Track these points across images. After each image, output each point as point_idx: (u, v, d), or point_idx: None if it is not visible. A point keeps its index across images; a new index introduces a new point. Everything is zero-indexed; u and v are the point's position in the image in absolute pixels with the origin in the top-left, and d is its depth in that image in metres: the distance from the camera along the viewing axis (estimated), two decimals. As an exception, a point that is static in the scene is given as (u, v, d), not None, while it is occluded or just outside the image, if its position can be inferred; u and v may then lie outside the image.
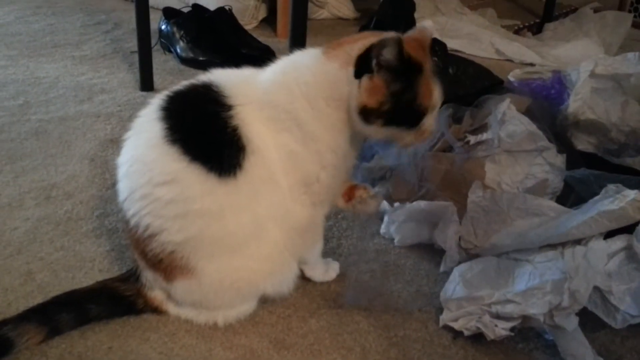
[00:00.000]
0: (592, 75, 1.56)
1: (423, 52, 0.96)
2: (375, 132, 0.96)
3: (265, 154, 0.96)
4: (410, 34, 0.99)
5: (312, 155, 0.98)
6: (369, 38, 0.95)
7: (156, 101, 1.00)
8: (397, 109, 0.93)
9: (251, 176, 0.95)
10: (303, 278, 1.13)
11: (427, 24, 1.03)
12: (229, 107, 0.95)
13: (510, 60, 2.46)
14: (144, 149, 0.97)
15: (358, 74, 0.93)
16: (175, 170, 0.93)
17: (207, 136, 0.95)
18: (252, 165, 0.95)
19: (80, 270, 1.15)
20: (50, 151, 1.56)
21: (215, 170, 0.93)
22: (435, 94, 0.96)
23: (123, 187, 0.99)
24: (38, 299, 1.03)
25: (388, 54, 0.90)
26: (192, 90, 1.00)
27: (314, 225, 1.07)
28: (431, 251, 1.25)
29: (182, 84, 1.02)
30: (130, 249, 1.08)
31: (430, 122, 0.97)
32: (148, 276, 1.03)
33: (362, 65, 0.92)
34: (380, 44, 0.90)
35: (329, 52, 0.97)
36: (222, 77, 1.01)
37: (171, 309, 1.05)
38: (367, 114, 0.93)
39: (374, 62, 0.91)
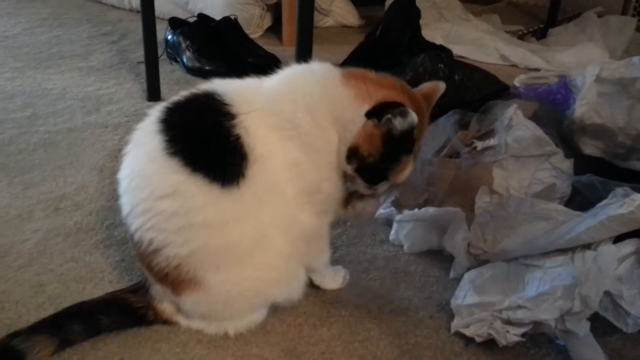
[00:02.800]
0: (598, 79, 1.55)
1: (422, 130, 1.01)
2: (344, 168, 0.99)
3: (269, 162, 0.95)
4: (425, 88, 1.05)
5: (314, 165, 0.98)
6: (398, 93, 0.98)
7: (154, 113, 1.00)
8: (374, 167, 0.97)
9: (254, 185, 0.94)
10: (313, 286, 1.13)
11: (442, 86, 1.07)
12: (232, 116, 0.95)
13: (515, 66, 2.46)
14: (143, 163, 0.97)
15: (369, 115, 0.94)
16: (177, 182, 0.93)
17: (209, 146, 0.95)
18: (255, 173, 0.94)
19: (91, 281, 1.15)
20: (58, 162, 1.57)
21: (217, 180, 0.93)
22: (405, 173, 1.01)
23: (125, 203, 0.99)
24: (49, 311, 1.03)
25: (399, 124, 0.93)
26: (192, 100, 1.00)
27: (319, 234, 1.07)
28: (441, 257, 1.25)
29: (180, 94, 1.01)
30: (138, 261, 1.08)
31: (384, 188, 1.01)
32: (157, 289, 1.03)
33: (377, 111, 0.94)
34: (401, 112, 0.92)
35: (348, 78, 0.98)
36: (224, 86, 1.00)
37: (181, 320, 1.05)
38: (353, 155, 0.96)
39: (385, 118, 0.93)
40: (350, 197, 1.10)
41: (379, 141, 0.95)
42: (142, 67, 2.01)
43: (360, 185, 1.00)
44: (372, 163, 0.96)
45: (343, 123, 0.96)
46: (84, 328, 0.99)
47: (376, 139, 0.95)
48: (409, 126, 0.93)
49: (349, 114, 0.95)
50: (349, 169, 0.98)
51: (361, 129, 0.95)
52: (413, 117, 0.92)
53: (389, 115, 0.93)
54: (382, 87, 0.98)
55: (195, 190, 0.92)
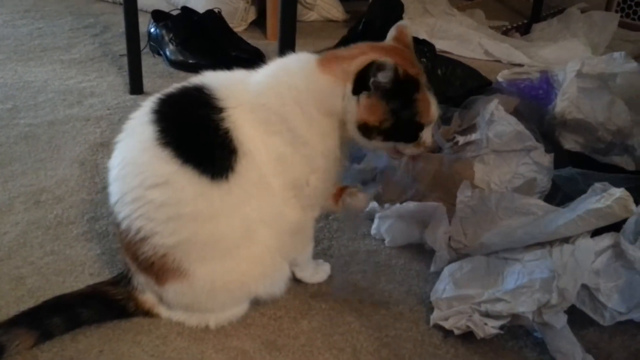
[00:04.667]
0: (579, 75, 1.57)
1: (414, 65, 0.99)
2: (376, 145, 0.98)
3: (257, 157, 0.96)
4: (392, 35, 1.03)
5: (301, 158, 0.98)
6: (367, 54, 0.96)
7: (148, 104, 1.00)
8: (398, 126, 0.95)
9: (243, 179, 0.95)
10: (294, 279, 1.13)
11: (404, 23, 1.06)
12: (221, 110, 0.96)
13: (499, 61, 2.47)
14: (135, 152, 0.97)
15: (356, 91, 0.94)
16: (167, 172, 0.93)
17: (199, 139, 0.95)
18: (244, 168, 0.95)
19: (71, 274, 1.14)
20: (39, 155, 1.56)
21: (207, 173, 0.93)
22: (432, 108, 0.98)
23: (114, 190, 0.99)
24: (29, 304, 1.03)
25: (383, 78, 0.92)
26: (183, 93, 1.00)
27: (304, 228, 1.07)
28: (422, 251, 1.26)
29: (173, 87, 1.02)
30: (121, 252, 1.08)
31: (428, 134, 0.99)
32: (139, 279, 1.03)
33: (360, 83, 0.94)
34: (377, 67, 0.91)
35: (323, 64, 0.98)
36: (214, 80, 1.01)
37: (163, 312, 1.05)
38: (367, 130, 0.95)
39: (371, 81, 0.93)
40: (340, 193, 1.11)
41: (381, 104, 0.94)
42: (125, 60, 1.99)
43: (408, 149, 0.99)
44: (394, 123, 0.95)
45: (342, 110, 0.96)
46: (63, 321, 0.99)
47: (377, 105, 0.94)
48: (391, 71, 0.91)
49: (340, 100, 0.95)
50: (381, 144, 0.97)
51: (359, 107, 0.94)
52: (388, 62, 0.91)
53: (372, 78, 0.92)
54: (353, 58, 0.97)
55: (185, 182, 0.93)
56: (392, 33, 1.04)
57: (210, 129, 0.95)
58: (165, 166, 0.93)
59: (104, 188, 1.02)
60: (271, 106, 0.97)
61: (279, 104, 0.97)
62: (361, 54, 0.97)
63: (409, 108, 0.95)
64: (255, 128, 0.97)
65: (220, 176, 0.94)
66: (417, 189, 1.35)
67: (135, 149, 0.97)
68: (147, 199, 0.94)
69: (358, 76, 0.94)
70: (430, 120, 0.98)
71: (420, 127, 0.97)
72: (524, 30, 2.92)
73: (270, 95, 0.98)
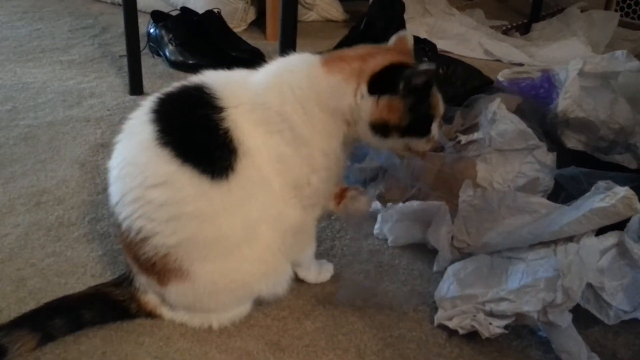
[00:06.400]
0: (581, 73, 1.56)
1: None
2: (390, 144, 0.99)
3: (257, 156, 0.96)
4: (392, 42, 1.04)
5: (302, 158, 0.98)
6: (377, 56, 0.97)
7: (147, 103, 1.00)
8: (415, 121, 0.96)
9: (243, 178, 0.95)
10: (297, 280, 1.13)
11: (403, 33, 1.06)
12: (221, 109, 0.95)
13: (499, 61, 2.47)
14: (135, 152, 0.97)
15: (373, 91, 0.94)
16: (168, 172, 0.93)
17: (199, 138, 0.95)
18: (244, 167, 0.94)
19: (73, 275, 1.14)
20: (39, 156, 1.55)
21: (207, 172, 0.93)
22: (441, 101, 1.00)
23: (115, 190, 0.99)
24: (30, 305, 1.02)
25: (419, 81, 0.93)
26: (183, 92, 1.00)
27: (306, 228, 1.07)
28: (424, 251, 1.26)
29: (173, 86, 1.01)
30: (122, 253, 1.07)
31: (436, 129, 1.01)
32: (141, 280, 1.02)
33: (381, 84, 0.94)
34: (413, 72, 0.93)
35: (328, 63, 0.98)
36: (214, 79, 1.00)
37: (165, 312, 1.04)
38: (386, 129, 0.96)
39: (401, 85, 0.93)
40: (343, 193, 1.10)
41: (402, 104, 0.94)
42: (124, 61, 1.99)
43: (420, 144, 1.00)
44: (411, 119, 0.96)
45: (348, 109, 0.96)
46: (66, 322, 0.98)
47: (398, 105, 0.94)
48: (428, 76, 0.93)
49: (347, 99, 0.95)
50: (395, 142, 0.98)
51: (378, 106, 0.95)
52: (429, 65, 0.93)
53: (402, 82, 0.93)
54: (363, 59, 0.97)
55: (186, 182, 0.93)
56: (392, 41, 1.05)
57: (210, 129, 0.94)
58: (165, 166, 0.93)
59: (105, 189, 1.01)
60: (272, 105, 0.97)
61: (279, 103, 0.96)
62: (369, 56, 0.97)
63: (425, 102, 0.97)
64: (255, 127, 0.96)
65: (221, 176, 0.93)
66: (420, 188, 1.35)
67: (135, 149, 0.97)
68: (148, 199, 0.94)
69: (378, 77, 0.94)
70: (440, 112, 1.00)
71: (432, 120, 0.99)
72: (524, 29, 2.92)
73: (271, 94, 0.98)
